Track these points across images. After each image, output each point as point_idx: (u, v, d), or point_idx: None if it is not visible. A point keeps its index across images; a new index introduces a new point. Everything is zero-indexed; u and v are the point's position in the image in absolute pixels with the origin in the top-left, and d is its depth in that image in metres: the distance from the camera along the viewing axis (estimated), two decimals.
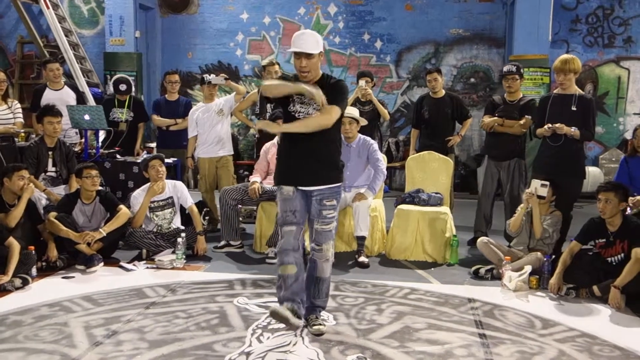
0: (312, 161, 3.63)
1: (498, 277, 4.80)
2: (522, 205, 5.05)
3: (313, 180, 3.65)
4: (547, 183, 4.86)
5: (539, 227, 4.89)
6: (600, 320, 4.01)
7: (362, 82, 6.62)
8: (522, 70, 5.90)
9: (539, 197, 4.88)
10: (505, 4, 9.95)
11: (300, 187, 3.66)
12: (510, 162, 5.83)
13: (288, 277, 3.61)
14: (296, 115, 3.64)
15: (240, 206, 5.95)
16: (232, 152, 6.63)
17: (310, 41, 3.57)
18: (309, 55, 3.56)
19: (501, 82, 6.07)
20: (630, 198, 4.69)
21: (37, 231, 5.05)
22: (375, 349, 3.41)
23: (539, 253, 4.83)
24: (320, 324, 3.67)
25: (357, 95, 6.61)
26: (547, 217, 4.96)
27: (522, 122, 5.71)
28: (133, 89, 6.99)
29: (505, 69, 5.96)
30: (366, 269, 5.18)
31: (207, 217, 5.92)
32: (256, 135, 7.56)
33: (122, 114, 6.79)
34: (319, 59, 3.64)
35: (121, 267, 5.06)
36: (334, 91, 3.61)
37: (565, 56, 5.13)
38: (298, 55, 3.57)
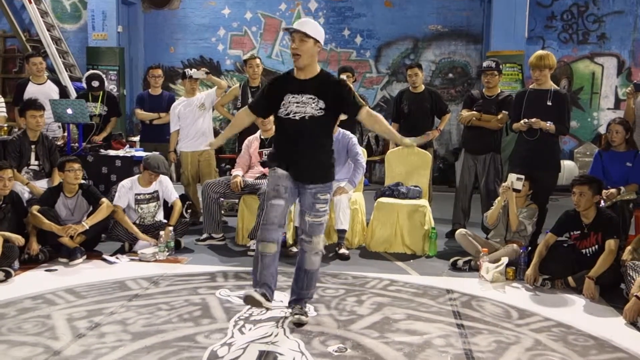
0: (308, 161, 3.60)
1: (476, 269, 4.87)
2: (499, 198, 5.15)
3: (311, 179, 3.62)
4: (523, 177, 4.94)
5: (515, 220, 4.98)
6: (575, 311, 4.08)
7: (343, 77, 6.66)
8: (501, 67, 6.01)
9: (515, 190, 4.96)
10: (483, 0, 10.07)
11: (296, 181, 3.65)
12: (486, 156, 5.93)
13: (266, 256, 3.47)
14: (291, 116, 3.54)
15: (222, 199, 5.97)
16: None
17: (309, 24, 3.53)
18: (303, 38, 3.47)
19: (479, 77, 6.16)
20: (604, 191, 4.80)
21: (23, 224, 5.05)
22: (355, 340, 3.44)
23: (515, 245, 4.93)
24: (301, 314, 3.69)
25: None
26: (523, 210, 5.05)
27: (499, 117, 5.82)
28: (106, 84, 6.96)
29: (484, 64, 6.06)
30: (346, 261, 5.24)
31: (189, 210, 5.94)
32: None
33: (96, 108, 6.75)
34: (314, 49, 3.53)
35: (104, 259, 5.07)
36: (354, 98, 3.58)
37: (540, 52, 5.23)
38: (292, 36, 3.49)
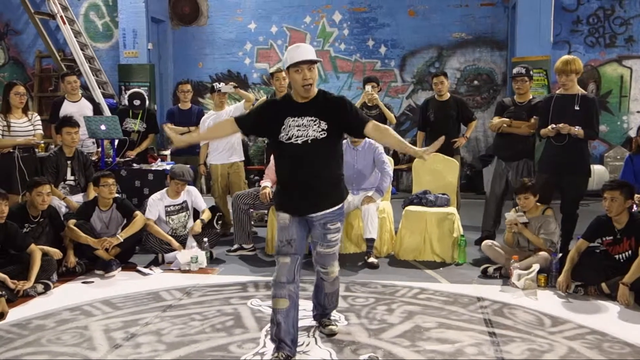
0: (314, 187, 3.37)
1: (506, 276, 4.84)
2: (507, 227, 5.15)
3: (316, 208, 3.39)
4: (523, 213, 5.02)
5: (539, 242, 4.95)
6: (609, 317, 4.01)
7: (368, 87, 6.72)
8: (531, 73, 5.98)
9: (523, 224, 5.01)
10: (507, 7, 10.02)
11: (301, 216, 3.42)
12: (519, 162, 5.86)
13: (279, 312, 3.33)
14: (293, 140, 3.31)
15: (252, 210, 6.05)
16: (243, 158, 6.72)
17: (310, 50, 3.34)
18: (311, 66, 3.28)
19: (505, 83, 6.13)
20: (636, 195, 4.71)
21: (60, 238, 5.18)
22: (386, 349, 3.45)
23: (545, 252, 4.87)
24: (333, 325, 3.73)
25: (364, 100, 6.73)
26: (540, 222, 5.00)
27: (530, 122, 5.78)
28: (147, 103, 7.13)
29: (514, 71, 6.02)
30: (376, 269, 5.25)
31: (219, 222, 6.02)
32: (266, 142, 7.67)
33: (135, 125, 6.92)
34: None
35: (138, 271, 5.18)
36: (356, 114, 3.41)
37: (566, 57, 5.20)
38: (298, 68, 3.25)
